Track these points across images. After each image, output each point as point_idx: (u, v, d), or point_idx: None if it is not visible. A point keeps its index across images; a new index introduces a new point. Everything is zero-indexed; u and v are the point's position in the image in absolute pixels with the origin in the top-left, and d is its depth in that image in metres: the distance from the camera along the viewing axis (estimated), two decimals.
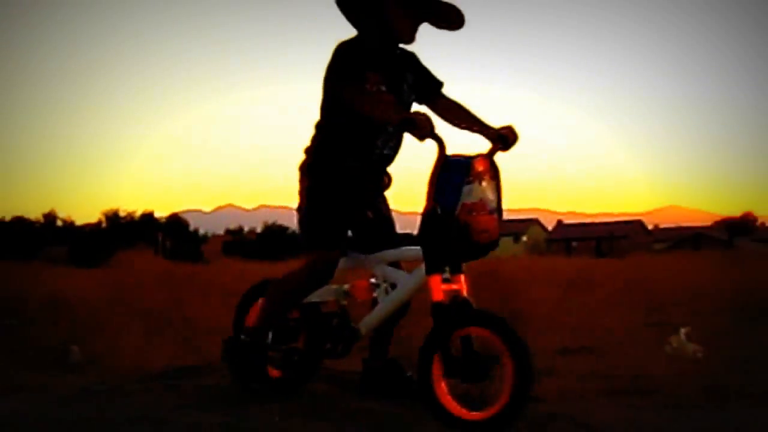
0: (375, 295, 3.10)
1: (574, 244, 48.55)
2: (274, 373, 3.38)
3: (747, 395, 6.07)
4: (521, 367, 2.70)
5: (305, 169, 3.10)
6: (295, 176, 3.39)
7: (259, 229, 38.99)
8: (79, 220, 37.99)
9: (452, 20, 3.13)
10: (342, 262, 3.14)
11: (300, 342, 3.29)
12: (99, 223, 37.12)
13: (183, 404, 3.18)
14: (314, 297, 3.27)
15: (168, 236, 34.24)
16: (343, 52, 3.00)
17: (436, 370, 2.87)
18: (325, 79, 3.04)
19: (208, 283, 12.91)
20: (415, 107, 3.25)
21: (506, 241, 64.00)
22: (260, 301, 3.29)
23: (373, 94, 2.95)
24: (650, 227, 71.56)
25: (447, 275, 2.91)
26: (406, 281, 2.98)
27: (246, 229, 41.01)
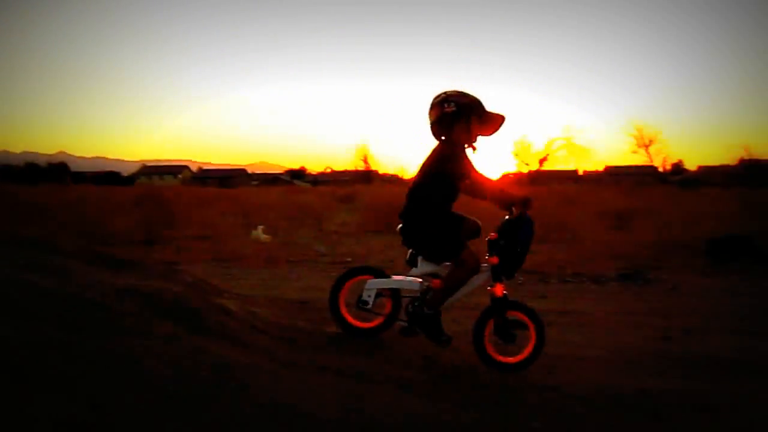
0: None
1: (209, 180, 62.25)
2: (359, 324, 3.56)
3: (295, 261, 9.00)
4: (540, 337, 3.36)
5: (422, 220, 3.36)
6: None
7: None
8: None
9: (496, 129, 3.41)
10: (424, 267, 3.44)
11: (386, 308, 3.55)
12: None
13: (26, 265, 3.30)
14: (405, 285, 3.51)
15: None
16: (457, 151, 3.33)
17: (487, 333, 3.37)
18: (438, 165, 3.34)
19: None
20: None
21: (169, 178, 72.30)
22: (369, 279, 3.51)
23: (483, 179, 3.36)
24: (249, 172, 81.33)
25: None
26: (473, 282, 3.37)
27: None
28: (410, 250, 3.47)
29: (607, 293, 6.59)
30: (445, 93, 3.35)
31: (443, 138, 3.35)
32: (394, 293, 3.50)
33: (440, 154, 3.31)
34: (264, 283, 6.63)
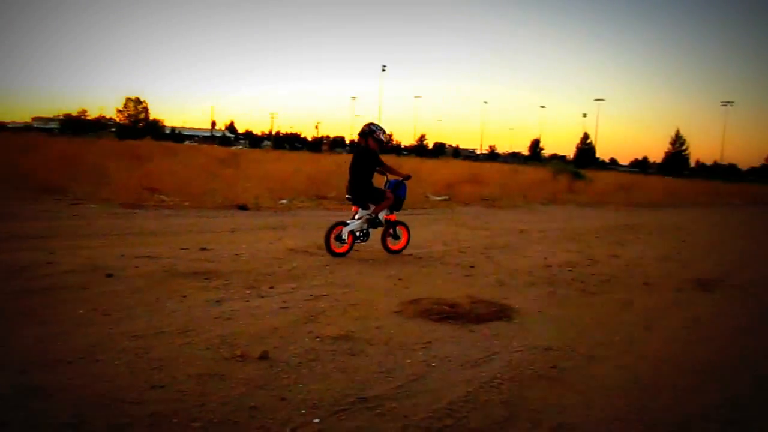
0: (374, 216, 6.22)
1: None
2: (338, 250, 5.53)
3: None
4: (408, 236, 6.23)
5: (366, 190, 5.71)
6: None
7: None
8: None
9: (387, 141, 6.31)
10: (365, 211, 5.75)
11: (349, 240, 5.69)
12: None
13: None
14: (357, 226, 5.74)
15: None
16: (376, 153, 5.82)
17: (387, 236, 6.15)
18: (367, 161, 5.62)
19: None
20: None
21: None
22: (341, 227, 5.61)
23: (388, 166, 6.11)
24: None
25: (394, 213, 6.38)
26: (385, 211, 5.93)
27: None
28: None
29: None
30: (371, 124, 5.88)
31: (367, 146, 5.79)
32: (352, 232, 5.88)
33: (370, 156, 5.81)
34: None
